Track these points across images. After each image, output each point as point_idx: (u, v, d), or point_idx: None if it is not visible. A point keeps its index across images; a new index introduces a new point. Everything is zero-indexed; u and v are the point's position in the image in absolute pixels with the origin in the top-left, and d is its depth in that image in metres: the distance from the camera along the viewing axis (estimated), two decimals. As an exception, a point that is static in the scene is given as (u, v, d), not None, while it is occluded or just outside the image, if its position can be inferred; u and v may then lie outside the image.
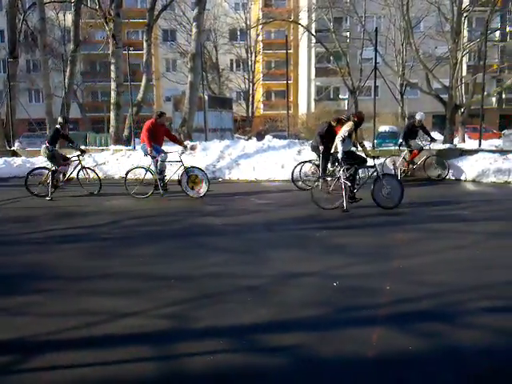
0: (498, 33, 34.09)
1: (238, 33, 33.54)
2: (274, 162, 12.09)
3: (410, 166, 11.15)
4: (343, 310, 3.76)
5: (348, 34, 31.63)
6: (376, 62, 12.77)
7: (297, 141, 13.63)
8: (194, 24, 15.75)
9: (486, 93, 22.21)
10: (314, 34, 27.76)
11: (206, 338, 3.32)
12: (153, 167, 9.26)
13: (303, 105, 38.82)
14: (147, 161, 9.61)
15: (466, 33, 27.36)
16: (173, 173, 9.33)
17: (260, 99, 35.99)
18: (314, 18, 28.65)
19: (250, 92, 31.99)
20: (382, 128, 20.86)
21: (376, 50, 13.08)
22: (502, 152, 12.01)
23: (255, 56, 32.34)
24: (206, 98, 17.22)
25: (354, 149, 8.18)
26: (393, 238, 6.10)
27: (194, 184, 9.12)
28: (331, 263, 4.98)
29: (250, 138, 16.37)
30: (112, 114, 16.19)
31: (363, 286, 4.28)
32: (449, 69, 18.78)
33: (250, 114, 31.67)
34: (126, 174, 9.50)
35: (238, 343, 3.25)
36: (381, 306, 3.82)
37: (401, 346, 3.13)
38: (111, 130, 16.35)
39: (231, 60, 35.43)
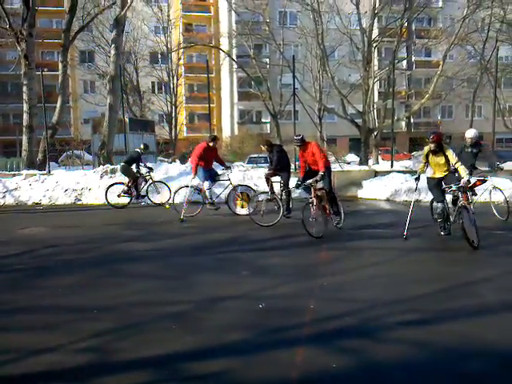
0: (405, 62, 36.92)
1: (159, 56, 33.37)
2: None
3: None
4: (268, 332, 3.77)
5: (268, 60, 32.66)
6: (295, 88, 13.27)
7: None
8: (113, 46, 15.48)
9: (396, 117, 23.85)
10: (235, 59, 28.34)
11: (129, 370, 3.18)
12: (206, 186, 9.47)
13: (227, 128, 39.24)
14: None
15: (376, 62, 29.33)
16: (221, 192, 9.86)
17: (183, 122, 35.87)
18: (234, 44, 29.30)
19: (173, 115, 31.77)
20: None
21: (294, 77, 13.60)
22: (412, 172, 12.89)
23: (177, 79, 32.27)
24: (127, 120, 16.85)
25: None
26: (316, 257, 6.27)
27: (242, 202, 9.36)
28: (256, 285, 5.00)
29: (173, 160, 16.19)
30: (24, 138, 15.32)
31: (288, 306, 4.33)
32: (362, 95, 20.00)
33: (174, 137, 31.39)
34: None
35: (162, 373, 3.14)
36: (305, 326, 3.88)
37: (324, 365, 3.19)
38: (23, 153, 15.44)
39: (153, 82, 35.10)
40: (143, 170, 11.46)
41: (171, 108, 31.66)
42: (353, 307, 4.26)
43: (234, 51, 30.00)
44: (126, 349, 3.50)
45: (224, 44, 29.53)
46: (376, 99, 30.03)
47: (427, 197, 11.07)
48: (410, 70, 38.18)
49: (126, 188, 11.22)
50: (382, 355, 3.36)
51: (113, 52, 15.38)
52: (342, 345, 3.53)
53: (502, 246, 6.79)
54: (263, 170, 11.39)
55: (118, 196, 11.09)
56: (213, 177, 9.60)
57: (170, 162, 14.43)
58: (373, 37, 20.47)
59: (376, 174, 12.48)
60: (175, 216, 9.17)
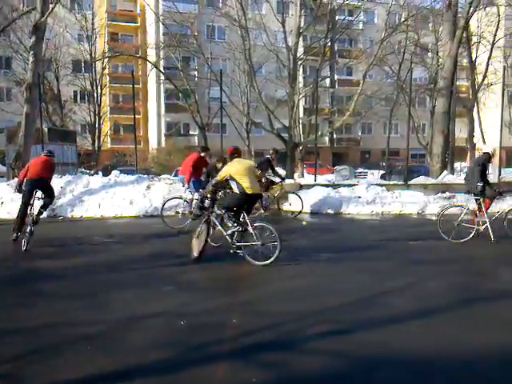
0: (328, 80, 38.50)
1: (83, 64, 32.16)
2: (121, 198, 11.67)
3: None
4: (190, 350, 3.69)
5: (196, 73, 32.62)
6: (222, 102, 13.34)
7: (146, 176, 13.38)
8: (32, 53, 14.66)
9: (319, 133, 24.71)
10: (163, 71, 28.01)
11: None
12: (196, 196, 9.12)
13: (153, 140, 38.53)
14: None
15: (301, 79, 30.37)
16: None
17: (107, 133, 34.72)
18: (161, 56, 28.97)
19: (97, 125, 30.65)
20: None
21: (222, 90, 13.69)
22: (334, 186, 13.40)
23: (101, 89, 31.23)
24: (46, 130, 16.00)
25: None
26: (238, 271, 6.26)
27: None
28: (179, 301, 4.90)
29: (95, 172, 15.59)
30: None
31: (211, 321, 4.27)
32: (288, 110, 20.52)
33: (97, 148, 30.25)
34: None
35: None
36: (227, 341, 3.85)
37: (245, 380, 3.18)
38: None
39: (75, 92, 33.67)
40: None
41: (95, 118, 30.54)
42: (272, 320, 4.29)
43: (162, 63, 29.65)
44: (36, 374, 3.28)
45: (151, 55, 29.07)
46: (301, 115, 30.96)
47: (348, 209, 11.56)
48: (333, 88, 39.88)
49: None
50: (300, 367, 3.40)
51: (31, 59, 14.57)
52: (261, 359, 3.53)
53: (412, 256, 7.20)
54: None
55: None
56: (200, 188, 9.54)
57: (92, 174, 13.85)
58: (298, 55, 21.15)
59: (301, 187, 12.79)
60: (91, 231, 8.80)
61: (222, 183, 6.91)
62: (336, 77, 40.20)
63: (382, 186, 13.35)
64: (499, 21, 27.11)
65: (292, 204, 11.19)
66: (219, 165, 8.29)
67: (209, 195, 6.99)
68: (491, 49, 27.42)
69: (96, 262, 6.69)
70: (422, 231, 9.39)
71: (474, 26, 26.83)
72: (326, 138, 40.41)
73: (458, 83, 28.25)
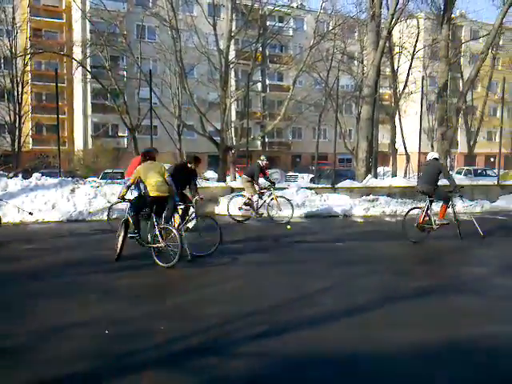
0: (260, 84, 38.99)
1: (2, 60, 30.20)
2: (43, 202, 11.05)
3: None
4: (115, 359, 3.55)
5: (125, 72, 31.72)
6: (152, 103, 13.04)
7: (70, 179, 12.78)
8: None
9: (251, 136, 24.92)
10: (89, 69, 26.95)
11: None
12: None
13: (80, 141, 36.92)
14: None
15: (233, 82, 30.45)
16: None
17: (29, 133, 32.78)
18: (88, 54, 27.86)
19: (17, 125, 28.84)
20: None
21: (151, 91, 13.39)
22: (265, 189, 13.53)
23: (23, 87, 29.45)
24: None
25: None
26: (168, 276, 6.14)
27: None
28: (104, 309, 4.71)
29: (15, 175, 14.65)
30: None
31: (137, 329, 4.15)
32: (220, 114, 20.49)
33: (17, 149, 28.45)
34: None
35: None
36: (154, 348, 3.75)
37: (172, 388, 3.11)
38: None
39: (-7, 89, 31.54)
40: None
41: (15, 117, 28.73)
42: (202, 325, 4.25)
43: (88, 61, 28.54)
44: None
45: (77, 53, 27.89)
46: (234, 118, 31.07)
47: (282, 212, 11.73)
48: (265, 92, 40.43)
49: None
50: (229, 371, 3.40)
51: None
52: (190, 364, 3.48)
53: (340, 257, 7.44)
54: (119, 187, 10.85)
55: None
56: None
57: (11, 177, 12.98)
58: (230, 58, 21.19)
59: (232, 190, 12.81)
60: (9, 237, 8.25)
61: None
62: (267, 81, 40.81)
63: (311, 189, 13.70)
64: (419, 33, 28.86)
65: (282, 210, 11.02)
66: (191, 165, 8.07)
67: (125, 197, 6.85)
68: (412, 59, 29.07)
69: (14, 271, 6.28)
70: (349, 233, 9.75)
71: (396, 37, 28.34)
72: (258, 142, 40.85)
73: (381, 91, 29.69)
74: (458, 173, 26.49)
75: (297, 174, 30.73)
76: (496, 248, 8.35)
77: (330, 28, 23.46)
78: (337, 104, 17.52)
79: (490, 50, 21.14)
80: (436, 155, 9.16)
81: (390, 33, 18.38)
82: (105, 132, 35.01)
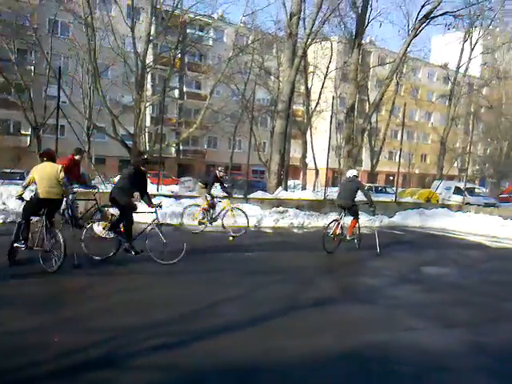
0: (177, 91, 38.61)
1: None
2: None
3: None
4: (3, 374, 3.30)
5: (33, 68, 29.85)
6: (59, 101, 12.37)
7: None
8: None
9: (166, 143, 24.56)
10: (-8, 61, 24.99)
11: None
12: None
13: (-24, 137, 33.93)
14: None
15: (149, 86, 29.87)
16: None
17: None
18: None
19: None
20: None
21: (60, 89, 12.70)
22: (177, 197, 13.42)
23: None
24: None
25: None
26: (69, 284, 5.84)
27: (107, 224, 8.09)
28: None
29: None
30: None
31: (27, 342, 3.87)
32: (134, 117, 19.99)
33: None
34: None
35: None
36: (46, 363, 3.53)
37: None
38: None
39: None
40: None
41: None
42: (101, 337, 4.08)
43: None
44: None
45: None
46: (148, 123, 30.44)
47: (189, 221, 11.66)
48: (182, 99, 40.10)
49: None
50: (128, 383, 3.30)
51: None
52: (86, 378, 3.33)
53: (248, 267, 7.56)
54: (16, 188, 10.11)
55: None
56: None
57: None
58: (147, 62, 20.80)
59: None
60: None
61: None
62: (185, 89, 40.55)
63: (222, 198, 13.75)
64: (332, 55, 30.46)
65: (237, 221, 10.87)
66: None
67: (22, 196, 6.52)
68: (324, 79, 30.56)
69: None
70: (259, 243, 9.94)
71: (312, 57, 29.67)
72: (173, 149, 40.33)
73: (295, 107, 30.83)
74: (362, 189, 28.09)
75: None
76: (392, 260, 8.98)
77: (250, 42, 23.97)
78: (252, 116, 17.87)
79: (394, 77, 22.85)
80: (355, 172, 9.72)
81: (305, 52, 19.21)
82: (5, 129, 32.52)
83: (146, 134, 24.31)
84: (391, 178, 44.63)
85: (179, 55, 26.77)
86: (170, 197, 13.07)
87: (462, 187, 20.76)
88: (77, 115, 20.44)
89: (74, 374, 3.37)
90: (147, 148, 22.28)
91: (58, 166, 6.70)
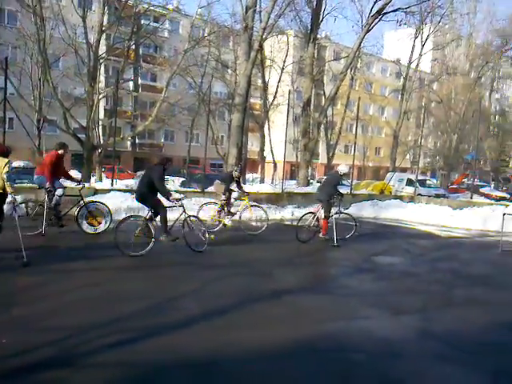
0: (131, 83, 37.76)
1: None
2: None
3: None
4: None
5: (-23, 57, 28.39)
6: (6, 93, 11.84)
7: None
8: None
9: (121, 136, 24.00)
10: None
11: None
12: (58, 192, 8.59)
13: None
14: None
15: (102, 78, 29.09)
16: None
17: None
18: None
19: None
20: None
21: (6, 80, 12.16)
22: (133, 191, 13.15)
23: None
24: None
25: None
26: (21, 283, 5.64)
27: (93, 219, 8.99)
28: None
29: None
30: None
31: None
32: (86, 110, 19.42)
33: None
34: None
35: None
36: (-5, 364, 3.41)
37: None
38: None
39: None
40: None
41: None
42: (55, 335, 3.97)
43: None
44: None
45: None
46: (102, 116, 29.66)
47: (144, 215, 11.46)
48: (137, 92, 39.32)
49: None
50: (85, 382, 3.24)
51: None
52: (38, 378, 3.24)
53: (203, 261, 7.55)
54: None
55: None
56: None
57: None
58: (100, 53, 20.20)
59: (96, 192, 12.21)
60: None
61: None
62: (140, 81, 39.75)
63: (180, 193, 13.64)
64: (288, 49, 30.64)
65: (256, 217, 11.23)
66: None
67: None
68: (281, 73, 30.71)
69: None
70: (217, 237, 9.91)
71: (268, 51, 29.72)
72: (128, 143, 39.53)
73: (252, 101, 30.84)
74: (318, 182, 28.60)
75: (168, 176, 30.36)
76: (347, 251, 9.19)
77: (206, 34, 23.75)
78: (209, 109, 17.75)
79: (348, 71, 23.28)
80: (342, 169, 9.86)
81: (261, 45, 19.22)
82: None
83: (100, 127, 23.71)
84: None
85: (133, 46, 26.17)
86: (125, 191, 12.81)
87: (413, 179, 21.44)
88: (26, 108, 19.66)
89: (24, 375, 3.26)
90: (101, 141, 21.74)
91: (5, 160, 6.48)
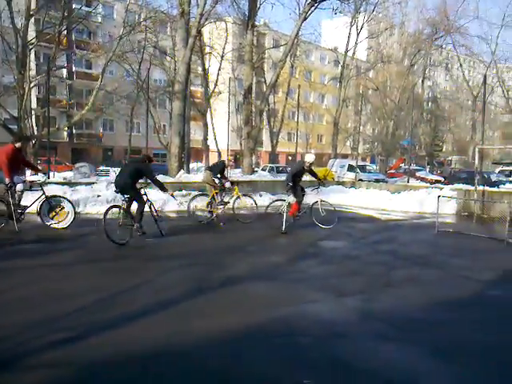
0: (65, 71, 36.02)
1: None
2: None
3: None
4: None
5: None
6: None
7: None
8: None
9: (56, 126, 22.94)
10: None
11: None
12: (10, 198, 8.29)
13: None
14: None
15: (33, 65, 27.53)
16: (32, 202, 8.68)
17: None
18: None
19: None
20: None
21: None
22: (71, 184, 12.66)
23: None
24: None
25: None
26: None
27: (56, 214, 8.87)
28: None
29: None
30: None
31: None
32: (17, 99, 18.34)
33: None
34: None
35: None
36: None
37: None
38: None
39: None
40: None
41: None
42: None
43: None
44: None
45: None
46: (34, 105, 28.15)
47: (86, 208, 11.09)
48: (71, 79, 37.61)
49: None
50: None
51: None
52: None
53: (152, 252, 7.41)
54: None
55: None
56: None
57: None
58: (29, 39, 19.07)
59: (31, 186, 11.59)
60: None
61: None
62: (74, 68, 38.05)
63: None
64: (227, 36, 30.38)
65: (247, 206, 11.51)
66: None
67: None
68: (221, 60, 30.48)
69: None
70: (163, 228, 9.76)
71: (207, 38, 29.35)
72: (65, 133, 37.85)
73: (193, 89, 30.41)
74: (263, 169, 28.81)
75: (108, 168, 29.41)
76: (294, 237, 9.34)
77: (141, 20, 23.02)
78: (148, 97, 17.30)
79: (288, 59, 23.45)
80: (308, 158, 10.13)
81: (199, 32, 18.91)
82: None
83: (33, 117, 22.48)
84: (290, 157, 46.22)
85: (65, 32, 24.88)
86: (63, 184, 12.29)
87: (354, 165, 22.10)
88: None
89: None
90: (35, 132, 20.65)
91: None
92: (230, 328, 4.23)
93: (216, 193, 10.67)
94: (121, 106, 28.84)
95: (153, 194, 12.62)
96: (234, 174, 21.39)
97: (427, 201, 14.00)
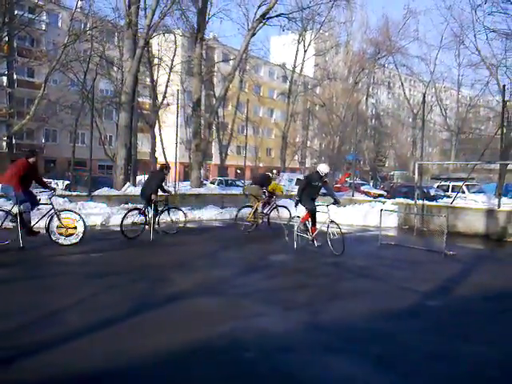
0: (5, 78, 34.47)
1: None
2: None
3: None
4: None
5: None
6: None
7: None
8: None
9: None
10: None
11: None
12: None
13: None
14: None
15: (-30, 72, 26.19)
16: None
17: None
18: None
19: None
20: None
21: None
22: (12, 198, 12.01)
23: None
24: None
25: None
26: None
27: (65, 230, 8.62)
28: None
29: None
30: None
31: None
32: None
33: None
34: None
35: None
36: None
37: None
38: None
39: None
40: None
41: None
42: None
43: None
44: None
45: None
46: (-30, 114, 26.72)
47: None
48: (12, 87, 35.97)
49: None
50: None
51: None
52: None
53: (94, 269, 7.15)
54: None
55: None
56: (32, 200, 8.39)
57: None
58: (-35, 44, 18.21)
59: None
60: None
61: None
62: (16, 76, 36.48)
63: (64, 196, 12.82)
64: (176, 48, 30.26)
65: (280, 216, 12.37)
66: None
67: None
68: (169, 72, 30.26)
69: None
70: (107, 242, 9.47)
71: (156, 49, 29.08)
72: (4, 143, 36.07)
73: (141, 100, 29.96)
74: (212, 183, 28.71)
75: (51, 180, 28.27)
76: (241, 251, 9.32)
77: (87, 29, 22.49)
78: (92, 108, 16.83)
79: (237, 73, 23.65)
80: (321, 169, 9.66)
81: (147, 43, 18.71)
82: None
83: (-31, 126, 21.34)
84: (239, 171, 46.38)
85: (6, 38, 23.85)
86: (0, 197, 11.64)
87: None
88: None
89: None
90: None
91: None
92: (174, 345, 4.13)
93: (264, 202, 11.99)
94: (65, 116, 27.91)
95: (93, 207, 12.36)
96: (183, 187, 21.18)
97: (371, 214, 14.41)
